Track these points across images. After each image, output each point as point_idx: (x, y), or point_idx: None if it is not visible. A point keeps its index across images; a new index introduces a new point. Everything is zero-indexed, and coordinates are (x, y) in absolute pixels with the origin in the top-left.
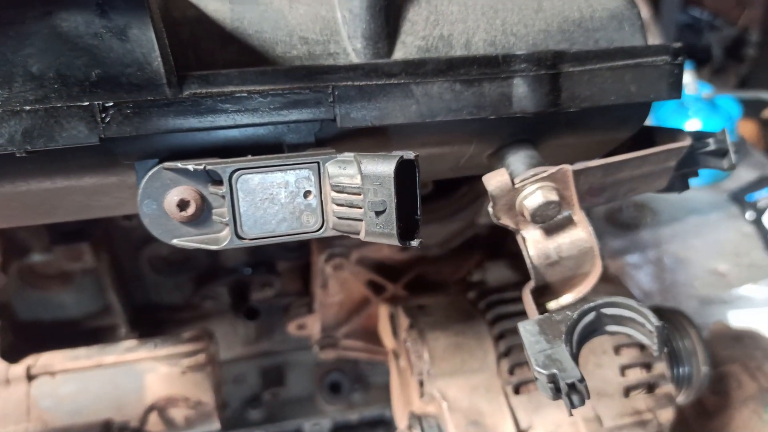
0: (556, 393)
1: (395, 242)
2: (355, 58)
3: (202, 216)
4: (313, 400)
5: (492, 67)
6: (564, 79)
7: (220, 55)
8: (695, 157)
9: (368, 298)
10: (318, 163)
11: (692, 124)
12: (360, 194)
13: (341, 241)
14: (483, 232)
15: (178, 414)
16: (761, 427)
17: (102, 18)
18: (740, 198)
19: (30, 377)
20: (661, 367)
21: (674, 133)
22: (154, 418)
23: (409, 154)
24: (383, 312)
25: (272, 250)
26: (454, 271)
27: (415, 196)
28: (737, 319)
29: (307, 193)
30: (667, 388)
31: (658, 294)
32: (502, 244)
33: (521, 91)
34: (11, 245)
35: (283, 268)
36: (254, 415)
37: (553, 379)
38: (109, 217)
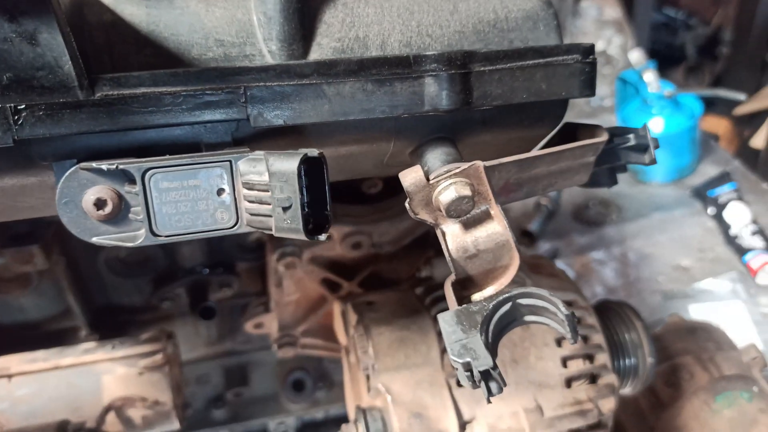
0: (474, 381)
1: (302, 237)
2: (270, 60)
3: (120, 215)
4: (277, 399)
5: (403, 67)
6: (475, 78)
7: (135, 59)
8: (616, 152)
9: (324, 297)
10: (230, 161)
11: (655, 123)
12: (268, 191)
13: (292, 240)
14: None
15: (135, 414)
16: (711, 416)
17: (11, 23)
18: (703, 194)
19: None
20: (603, 358)
21: (593, 129)
22: (111, 419)
23: (313, 152)
24: (336, 309)
25: (230, 250)
26: (408, 268)
27: (324, 193)
28: (698, 312)
29: (220, 191)
30: (610, 378)
31: (623, 289)
32: None
33: (432, 90)
34: None
35: (242, 268)
36: (218, 415)
37: (468, 368)
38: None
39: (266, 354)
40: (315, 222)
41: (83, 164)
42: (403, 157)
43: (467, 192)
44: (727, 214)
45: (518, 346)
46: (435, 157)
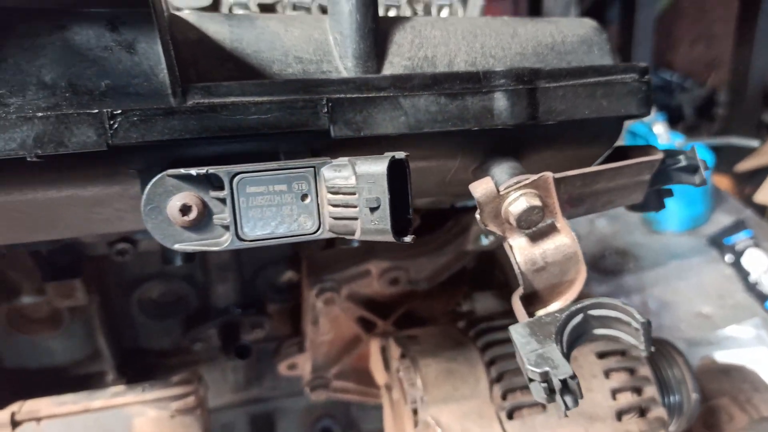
0: (550, 394)
1: (389, 237)
2: (346, 76)
3: (203, 221)
4: None
5: (474, 82)
6: (540, 94)
7: (218, 72)
8: (668, 173)
9: (359, 336)
10: (314, 167)
11: None
12: (355, 193)
13: (332, 276)
14: (470, 265)
15: None
16: None
17: (112, 32)
18: (719, 242)
19: (15, 423)
20: (651, 391)
21: (647, 149)
22: None
23: (400, 154)
24: (374, 346)
25: (262, 290)
26: (443, 306)
27: (407, 197)
28: (724, 359)
29: (304, 196)
30: (659, 411)
31: None
32: (488, 276)
33: (501, 105)
34: (1, 287)
35: (272, 310)
36: None
37: (545, 378)
38: (104, 250)
39: (293, 401)
40: (397, 225)
41: (171, 171)
42: (465, 175)
43: (537, 202)
44: (745, 261)
45: None
46: (502, 170)
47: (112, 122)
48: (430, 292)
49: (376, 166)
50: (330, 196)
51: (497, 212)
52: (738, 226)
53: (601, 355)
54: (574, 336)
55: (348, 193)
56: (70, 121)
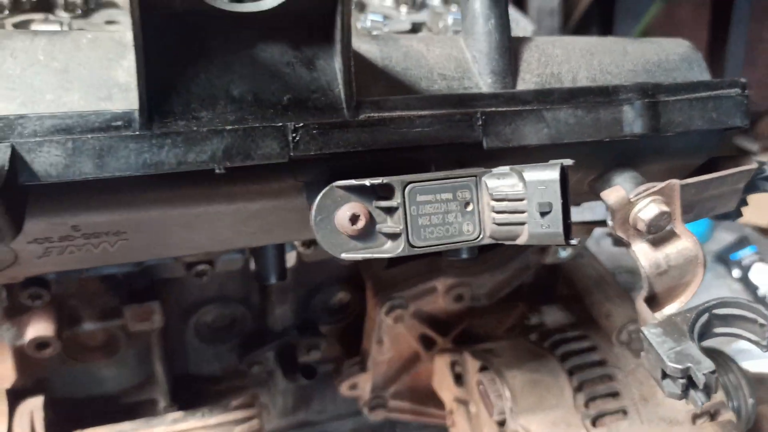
0: (686, 390)
1: (559, 240)
2: (494, 91)
3: (368, 230)
4: None
5: (605, 96)
6: (661, 107)
7: (374, 89)
8: (756, 182)
9: (418, 354)
10: (476, 176)
11: None
12: (523, 199)
13: (400, 293)
14: (528, 280)
15: None
16: None
17: (294, 49)
18: (725, 258)
19: None
20: (719, 395)
21: (738, 159)
22: None
23: (568, 161)
24: (441, 362)
25: (315, 312)
26: (497, 324)
27: (568, 202)
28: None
29: (467, 204)
30: (728, 415)
31: None
32: (550, 290)
33: (629, 117)
34: (62, 314)
35: (324, 331)
36: None
37: (686, 374)
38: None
39: (339, 424)
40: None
41: (340, 182)
42: (580, 187)
43: (666, 208)
44: (753, 276)
45: (644, 384)
46: (625, 180)
47: (294, 135)
48: (486, 309)
49: (547, 173)
50: (494, 203)
51: (626, 218)
52: (742, 242)
53: None
54: (699, 335)
55: (515, 199)
56: (256, 134)
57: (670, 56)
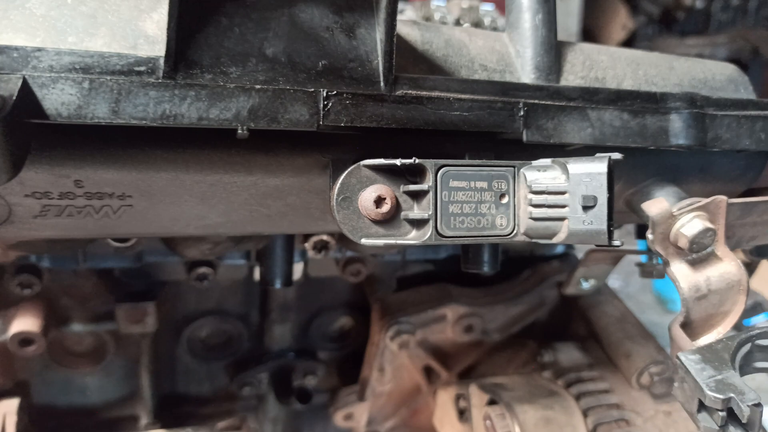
0: (725, 425)
1: (603, 238)
2: (537, 84)
3: (392, 216)
4: None
5: (652, 102)
6: (709, 120)
7: (413, 71)
8: None
9: (419, 387)
10: (515, 167)
11: None
12: (565, 193)
13: (408, 318)
14: (542, 318)
15: None
16: None
17: (335, 14)
18: (738, 325)
19: None
20: None
21: None
22: None
23: (617, 155)
24: (445, 395)
25: (314, 337)
26: (507, 363)
27: (612, 201)
28: None
29: (502, 196)
30: None
31: None
32: (564, 329)
33: (677, 126)
34: (52, 311)
35: (322, 358)
36: None
37: (727, 405)
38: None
39: None
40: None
41: (368, 161)
42: (616, 203)
43: (711, 225)
44: None
45: None
46: (668, 194)
47: (326, 103)
48: (498, 345)
49: (594, 165)
50: (532, 196)
51: (667, 234)
52: (755, 309)
53: None
54: (739, 366)
55: (556, 192)
56: (285, 97)
57: (716, 76)
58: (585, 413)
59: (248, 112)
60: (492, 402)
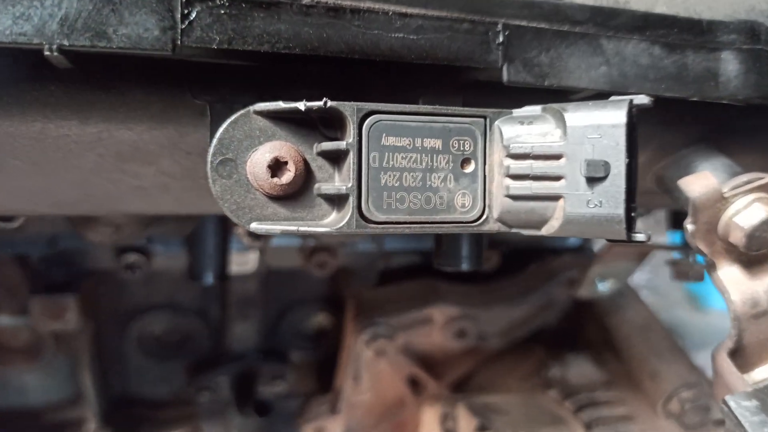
0: None
1: (618, 229)
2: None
3: (299, 189)
4: None
5: (696, 33)
6: None
7: None
8: None
9: (403, 399)
10: (485, 117)
11: None
12: (561, 157)
13: (387, 320)
14: (551, 323)
15: None
16: None
17: None
18: None
19: None
20: None
21: None
22: None
23: (642, 98)
24: (430, 413)
25: (285, 336)
26: (509, 372)
27: (634, 166)
28: None
29: (465, 162)
30: None
31: None
32: (576, 337)
33: (731, 69)
34: None
35: (296, 360)
36: None
37: None
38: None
39: None
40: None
41: (261, 105)
42: (642, 180)
43: None
44: None
45: None
46: (715, 168)
47: (186, 11)
48: (499, 352)
49: (607, 114)
50: (511, 162)
51: (714, 224)
52: None
53: None
54: None
55: (548, 157)
56: (120, 2)
57: None
58: None
59: (59, 24)
60: (483, 428)
